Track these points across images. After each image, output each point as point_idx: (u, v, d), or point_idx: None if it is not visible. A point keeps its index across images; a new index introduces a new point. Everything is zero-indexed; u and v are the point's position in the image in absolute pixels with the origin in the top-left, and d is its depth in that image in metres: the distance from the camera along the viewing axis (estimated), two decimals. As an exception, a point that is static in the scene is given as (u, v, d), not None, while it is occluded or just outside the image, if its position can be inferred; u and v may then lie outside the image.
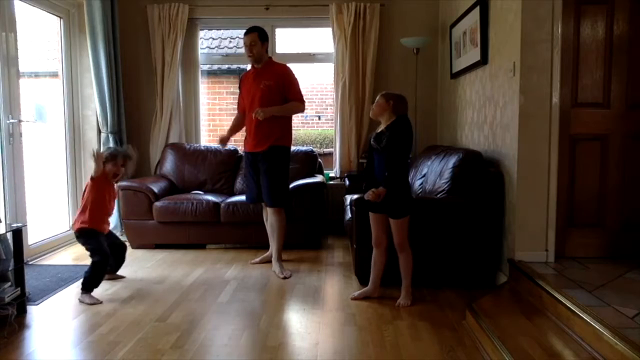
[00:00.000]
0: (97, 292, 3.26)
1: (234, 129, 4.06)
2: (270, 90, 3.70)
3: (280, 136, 3.78)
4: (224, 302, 3.20)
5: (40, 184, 4.69)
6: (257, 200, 3.98)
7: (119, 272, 3.67)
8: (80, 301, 3.19)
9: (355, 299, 3.21)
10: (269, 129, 3.72)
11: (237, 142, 5.05)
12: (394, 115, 3.00)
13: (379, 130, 3.06)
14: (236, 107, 4.11)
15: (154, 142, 5.16)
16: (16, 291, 2.91)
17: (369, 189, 3.06)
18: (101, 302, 3.18)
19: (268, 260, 3.99)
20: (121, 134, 4.95)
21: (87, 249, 3.36)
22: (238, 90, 4.04)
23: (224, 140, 4.00)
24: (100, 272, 3.29)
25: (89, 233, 3.33)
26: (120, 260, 3.59)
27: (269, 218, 3.89)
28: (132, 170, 3.74)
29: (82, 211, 3.35)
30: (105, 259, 3.31)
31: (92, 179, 3.34)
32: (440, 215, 3.37)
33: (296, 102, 3.78)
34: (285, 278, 3.67)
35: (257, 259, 4.08)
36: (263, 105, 3.67)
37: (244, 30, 3.78)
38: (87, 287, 3.22)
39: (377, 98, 3.07)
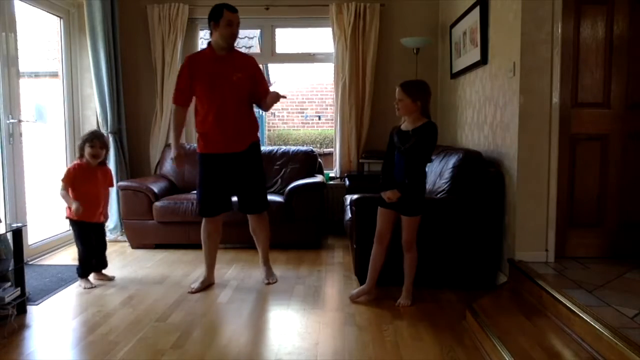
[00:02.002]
0: (97, 292, 3.26)
1: (179, 134, 3.39)
2: (244, 83, 3.27)
3: (256, 131, 3.48)
4: (224, 302, 3.20)
5: (40, 184, 4.69)
6: (227, 210, 3.47)
7: (108, 273, 3.64)
8: (79, 285, 3.44)
9: (353, 298, 3.19)
10: (249, 123, 3.40)
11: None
12: (423, 117, 2.99)
13: (404, 127, 3.02)
14: (176, 99, 3.33)
15: (154, 142, 5.16)
16: (16, 291, 2.91)
17: (386, 184, 3.05)
18: (94, 286, 3.43)
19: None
20: (121, 134, 4.95)
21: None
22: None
23: (181, 158, 3.35)
24: (84, 261, 3.47)
25: (72, 223, 3.48)
26: (100, 260, 3.58)
27: (257, 224, 3.54)
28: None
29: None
30: (83, 249, 3.46)
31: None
32: (440, 215, 3.37)
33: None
34: (268, 284, 3.51)
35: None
36: (240, 100, 3.30)
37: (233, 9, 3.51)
38: (79, 274, 3.48)
39: (399, 93, 2.96)
